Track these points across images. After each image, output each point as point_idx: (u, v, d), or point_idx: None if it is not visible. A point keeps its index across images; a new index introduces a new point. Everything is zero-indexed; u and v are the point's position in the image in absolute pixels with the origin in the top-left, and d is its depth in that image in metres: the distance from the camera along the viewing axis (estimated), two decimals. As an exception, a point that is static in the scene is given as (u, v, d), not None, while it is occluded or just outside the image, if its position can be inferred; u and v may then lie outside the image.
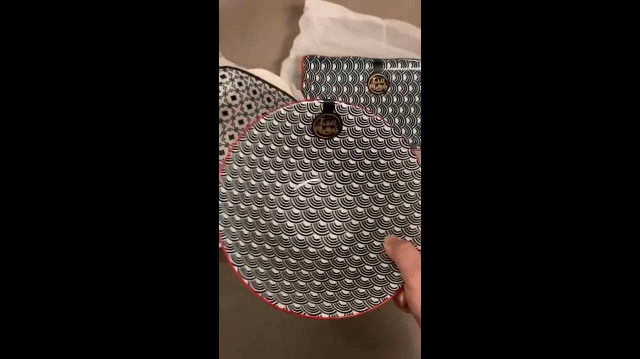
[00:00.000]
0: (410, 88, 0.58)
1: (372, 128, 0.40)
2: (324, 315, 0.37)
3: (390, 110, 0.58)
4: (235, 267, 0.37)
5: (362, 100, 0.57)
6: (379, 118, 0.39)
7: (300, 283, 0.39)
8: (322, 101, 0.39)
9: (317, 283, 0.40)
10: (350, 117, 0.39)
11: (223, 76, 0.51)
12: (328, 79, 0.57)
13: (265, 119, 0.39)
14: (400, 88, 0.58)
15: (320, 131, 0.40)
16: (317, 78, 0.57)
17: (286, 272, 0.40)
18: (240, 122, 0.54)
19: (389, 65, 0.57)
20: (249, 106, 0.54)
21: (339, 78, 0.57)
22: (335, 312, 0.37)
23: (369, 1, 0.60)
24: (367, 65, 0.57)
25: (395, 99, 0.58)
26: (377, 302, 0.38)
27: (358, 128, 0.40)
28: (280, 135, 0.40)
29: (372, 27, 0.59)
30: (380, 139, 0.40)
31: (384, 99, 0.58)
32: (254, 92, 0.53)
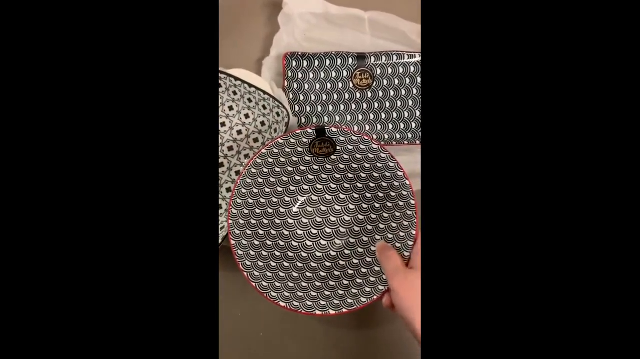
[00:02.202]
0: (396, 81, 0.56)
1: (362, 146, 0.43)
2: (318, 312, 0.42)
3: (377, 105, 0.56)
4: (245, 273, 0.43)
5: (347, 96, 0.56)
6: (367, 137, 0.43)
7: (303, 284, 0.45)
8: (314, 128, 0.43)
9: (318, 284, 0.45)
10: (342, 138, 0.43)
11: (201, 78, 0.50)
12: (311, 76, 0.55)
13: (265, 149, 0.43)
14: (385, 82, 0.56)
15: (317, 151, 0.45)
16: (300, 76, 0.55)
17: (292, 275, 0.45)
18: (222, 124, 0.53)
19: (372, 59, 0.55)
20: (231, 108, 0.53)
21: (322, 74, 0.56)
22: (328, 310, 0.42)
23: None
24: (350, 60, 0.55)
25: (381, 94, 0.56)
26: (365, 301, 0.42)
27: (350, 147, 0.44)
28: (282, 159, 0.45)
29: (355, 21, 0.57)
30: (370, 156, 0.44)
31: (369, 94, 0.56)
32: (235, 93, 0.51)
